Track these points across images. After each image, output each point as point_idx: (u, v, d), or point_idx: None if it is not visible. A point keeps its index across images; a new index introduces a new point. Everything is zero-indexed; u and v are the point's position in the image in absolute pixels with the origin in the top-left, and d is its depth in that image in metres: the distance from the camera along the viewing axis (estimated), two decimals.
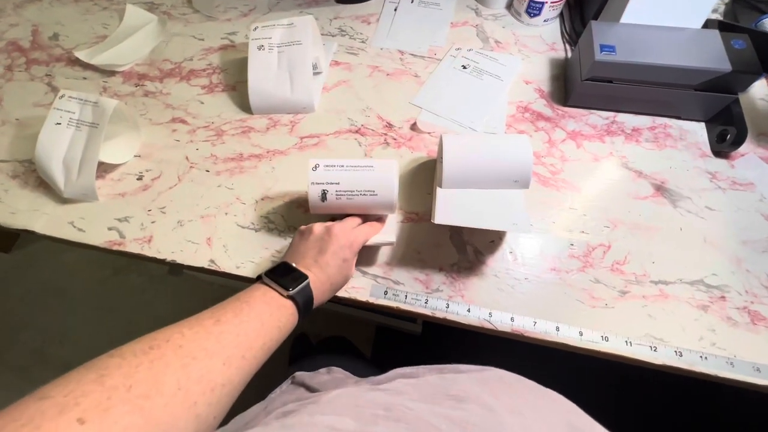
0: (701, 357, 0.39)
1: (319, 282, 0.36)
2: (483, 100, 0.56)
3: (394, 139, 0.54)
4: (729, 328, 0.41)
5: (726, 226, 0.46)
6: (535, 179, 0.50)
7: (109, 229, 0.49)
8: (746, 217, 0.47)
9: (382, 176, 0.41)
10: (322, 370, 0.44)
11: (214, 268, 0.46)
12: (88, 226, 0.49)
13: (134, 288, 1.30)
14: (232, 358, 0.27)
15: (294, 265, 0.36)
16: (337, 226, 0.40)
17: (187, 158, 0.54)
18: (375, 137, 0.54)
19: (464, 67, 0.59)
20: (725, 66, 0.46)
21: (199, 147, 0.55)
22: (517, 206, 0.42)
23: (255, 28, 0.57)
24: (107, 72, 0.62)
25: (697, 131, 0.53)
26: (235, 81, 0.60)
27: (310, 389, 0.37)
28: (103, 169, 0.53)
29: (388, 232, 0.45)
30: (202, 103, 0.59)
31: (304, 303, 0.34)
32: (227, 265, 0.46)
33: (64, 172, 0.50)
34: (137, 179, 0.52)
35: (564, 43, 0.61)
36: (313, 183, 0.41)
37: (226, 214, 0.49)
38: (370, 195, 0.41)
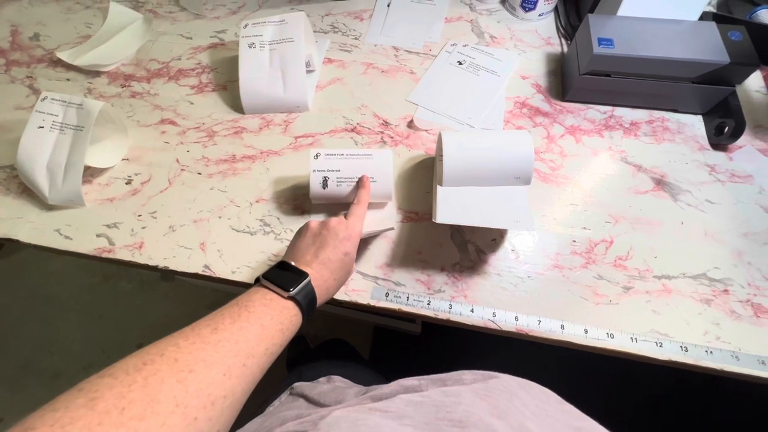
0: (707, 351, 0.39)
1: (321, 279, 0.35)
2: (480, 96, 0.55)
3: (391, 137, 0.53)
4: (733, 322, 0.41)
5: (726, 219, 0.46)
6: (535, 175, 0.49)
7: (98, 236, 0.47)
8: (746, 210, 0.46)
9: (380, 163, 0.43)
10: (322, 379, 0.42)
11: (208, 273, 0.44)
12: (76, 233, 0.47)
13: (125, 294, 1.27)
14: (232, 368, 0.25)
15: (293, 263, 0.35)
16: (334, 220, 0.39)
17: (177, 161, 0.52)
18: (371, 135, 0.53)
19: (460, 63, 0.58)
20: (723, 58, 0.45)
21: (189, 149, 0.53)
22: (520, 203, 0.41)
23: (245, 26, 0.55)
24: (92, 73, 0.60)
25: (695, 124, 0.52)
26: (225, 80, 0.59)
27: (310, 401, 0.36)
28: (90, 173, 0.51)
29: (386, 219, 0.45)
30: (192, 103, 0.57)
31: (306, 302, 0.33)
32: (222, 271, 0.44)
33: (48, 178, 0.48)
34: (126, 183, 0.51)
35: (560, 37, 0.61)
36: (315, 170, 0.42)
37: (220, 217, 0.48)
38: (371, 182, 0.43)
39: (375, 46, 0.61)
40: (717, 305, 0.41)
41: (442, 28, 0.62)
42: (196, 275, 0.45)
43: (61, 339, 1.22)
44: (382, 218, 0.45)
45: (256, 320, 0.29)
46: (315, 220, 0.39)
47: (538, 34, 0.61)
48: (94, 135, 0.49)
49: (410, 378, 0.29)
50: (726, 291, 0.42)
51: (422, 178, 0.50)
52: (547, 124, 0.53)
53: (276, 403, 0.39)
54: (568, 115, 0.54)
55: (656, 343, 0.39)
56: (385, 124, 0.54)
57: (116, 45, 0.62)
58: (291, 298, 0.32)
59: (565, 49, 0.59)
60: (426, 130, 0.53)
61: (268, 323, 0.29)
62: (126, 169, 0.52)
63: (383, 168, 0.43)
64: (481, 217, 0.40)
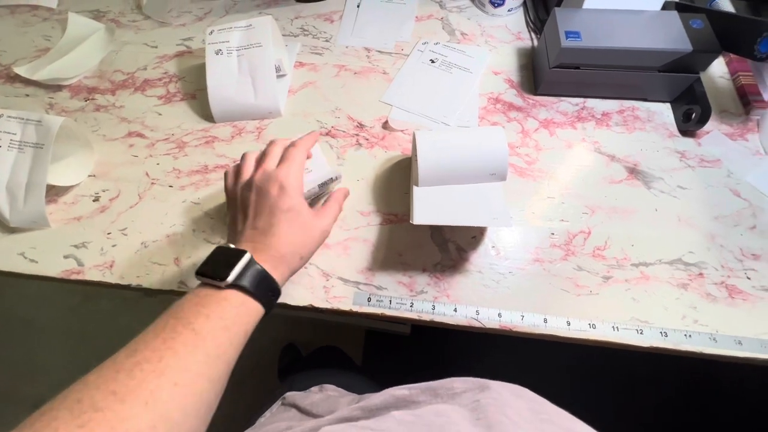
0: (685, 335, 0.39)
1: (271, 249, 0.29)
2: (454, 94, 0.55)
3: (366, 139, 0.52)
4: (709, 304, 0.41)
5: (698, 203, 0.47)
6: (512, 170, 0.49)
7: (65, 257, 0.45)
8: (716, 194, 0.48)
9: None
10: (314, 389, 0.42)
11: (184, 290, 0.43)
12: (41, 256, 0.45)
13: (107, 313, 1.24)
14: (157, 391, 0.21)
15: (231, 245, 0.30)
16: (258, 174, 0.32)
17: (147, 174, 0.50)
18: (346, 138, 0.52)
19: (432, 62, 0.58)
20: (686, 46, 0.46)
21: (159, 161, 0.51)
22: (496, 200, 0.41)
23: (211, 32, 0.54)
24: (52, 87, 0.58)
25: (664, 112, 0.53)
26: (194, 89, 0.57)
27: (302, 411, 0.35)
28: (54, 192, 0.49)
29: (323, 166, 0.43)
30: (160, 114, 0.55)
31: (256, 284, 0.27)
32: None
33: (8, 200, 0.45)
34: (93, 200, 0.49)
35: (529, 31, 0.61)
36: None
37: (194, 230, 0.46)
38: (307, 173, 0.41)
39: (346, 47, 0.61)
40: (693, 289, 0.42)
41: (413, 27, 0.62)
42: (171, 292, 0.43)
43: (41, 365, 1.17)
44: (320, 165, 0.43)
45: (187, 325, 0.25)
46: (241, 184, 0.33)
47: (508, 30, 0.62)
48: (57, 152, 0.47)
49: (400, 387, 0.29)
50: (701, 274, 0.43)
51: (400, 180, 0.49)
52: (521, 119, 0.53)
53: (267, 414, 0.39)
54: (541, 108, 0.54)
55: (637, 330, 0.40)
56: (360, 126, 0.53)
57: (77, 57, 0.60)
58: (231, 286, 0.27)
59: (536, 43, 0.60)
60: (401, 131, 0.53)
61: (202, 326, 0.25)
62: (93, 186, 0.50)
63: (315, 156, 0.43)
64: (459, 216, 0.40)
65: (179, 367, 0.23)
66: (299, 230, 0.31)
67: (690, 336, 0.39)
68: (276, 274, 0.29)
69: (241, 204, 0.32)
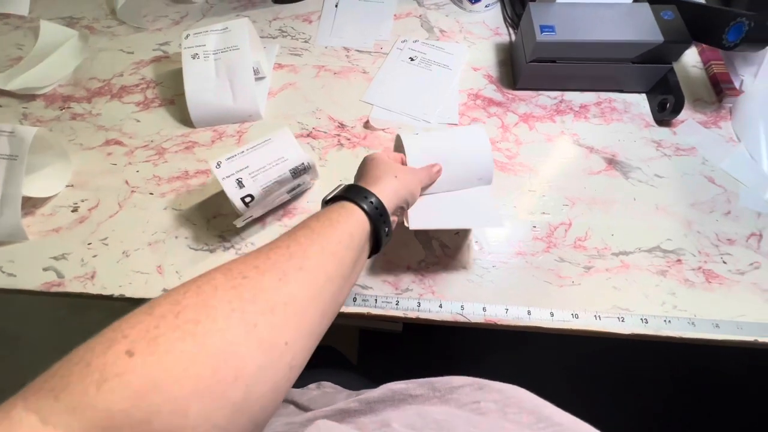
0: (665, 321, 0.40)
1: (365, 179, 0.36)
2: (434, 91, 0.55)
3: (348, 139, 0.52)
4: (687, 290, 0.42)
5: (675, 191, 0.48)
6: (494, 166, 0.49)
7: (45, 269, 0.44)
8: (692, 181, 0.49)
9: (281, 142, 0.43)
10: (312, 386, 0.42)
11: None
12: (20, 269, 0.44)
13: (96, 325, 1.20)
14: (288, 272, 0.24)
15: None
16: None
17: (127, 182, 0.50)
18: (328, 139, 0.52)
19: (412, 59, 0.58)
20: (658, 37, 0.47)
21: (139, 169, 0.51)
22: (486, 203, 0.41)
23: (186, 36, 0.53)
24: (26, 97, 0.57)
25: (640, 103, 0.54)
26: (172, 94, 0.56)
27: (300, 407, 0.36)
28: (32, 204, 0.48)
29: (296, 152, 0.44)
30: (138, 121, 0.54)
31: (346, 190, 0.33)
32: None
33: None
34: (72, 211, 0.48)
35: (507, 27, 0.62)
36: (224, 178, 0.41)
37: (176, 237, 0.46)
38: (282, 162, 0.43)
39: (326, 48, 0.60)
40: (672, 275, 0.43)
41: (392, 26, 0.62)
42: None
43: (29, 382, 1.15)
44: (297, 157, 0.44)
45: (305, 225, 0.29)
46: None
47: (486, 25, 0.62)
48: (33, 163, 0.47)
49: (398, 382, 0.29)
50: (679, 261, 0.44)
51: None
52: (501, 114, 0.54)
53: None
54: (521, 103, 0.55)
55: (618, 318, 0.41)
56: (341, 126, 0.53)
57: (51, 65, 0.59)
58: (336, 198, 0.33)
59: (513, 38, 0.60)
60: (383, 130, 0.53)
61: (313, 224, 0.29)
62: (71, 196, 0.49)
63: (287, 144, 0.43)
64: (452, 220, 0.40)
65: (301, 254, 0.26)
66: (380, 163, 0.37)
67: (669, 321, 0.40)
68: (363, 183, 0.34)
69: None
